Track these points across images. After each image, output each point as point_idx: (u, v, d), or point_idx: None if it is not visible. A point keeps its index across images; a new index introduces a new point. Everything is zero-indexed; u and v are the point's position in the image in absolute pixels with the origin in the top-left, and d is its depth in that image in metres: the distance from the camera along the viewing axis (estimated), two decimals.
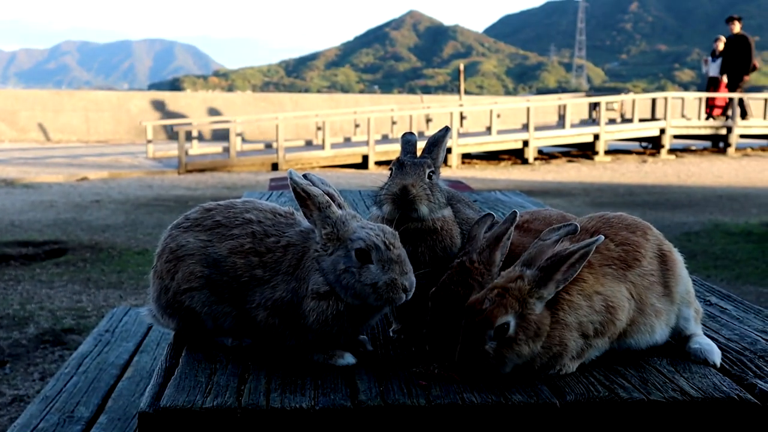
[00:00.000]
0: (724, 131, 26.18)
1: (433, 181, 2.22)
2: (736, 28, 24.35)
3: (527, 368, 1.94)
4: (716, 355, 2.10)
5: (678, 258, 2.17)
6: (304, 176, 2.13)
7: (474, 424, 1.78)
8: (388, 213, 2.17)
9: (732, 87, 24.76)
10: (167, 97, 32.62)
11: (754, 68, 24.49)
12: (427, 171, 2.20)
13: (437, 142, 2.30)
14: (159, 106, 31.07)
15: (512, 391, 1.86)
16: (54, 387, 3.75)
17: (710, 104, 25.49)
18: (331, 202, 2.06)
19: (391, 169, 2.24)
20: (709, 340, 2.17)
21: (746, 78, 24.55)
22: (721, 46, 24.55)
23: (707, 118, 25.50)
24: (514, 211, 2.15)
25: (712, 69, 24.96)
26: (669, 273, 2.12)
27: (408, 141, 2.33)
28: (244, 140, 23.99)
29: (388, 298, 1.96)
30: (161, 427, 1.74)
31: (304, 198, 2.05)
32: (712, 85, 25.23)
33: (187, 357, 2.07)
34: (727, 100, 25.06)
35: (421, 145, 2.31)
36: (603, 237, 1.99)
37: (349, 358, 2.03)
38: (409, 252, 2.08)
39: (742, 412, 1.84)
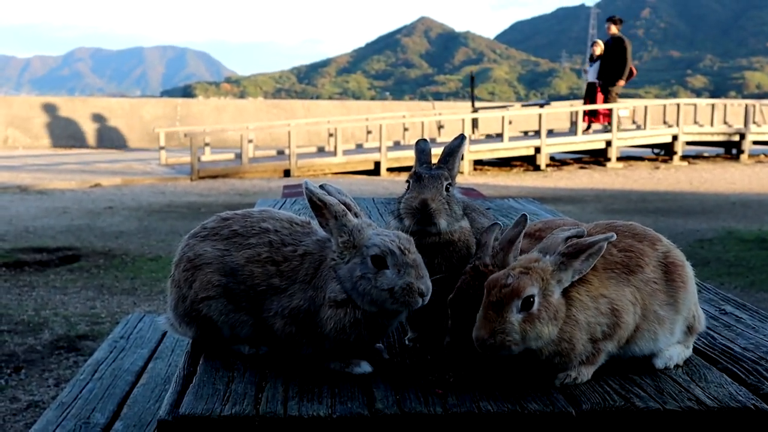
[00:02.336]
0: (737, 138, 26.10)
1: (451, 193, 2.23)
2: (613, 29, 22.86)
3: (536, 361, 1.94)
4: (659, 360, 2.10)
5: (689, 272, 2.17)
6: (321, 187, 2.14)
7: None
8: (407, 227, 2.18)
9: (605, 92, 23.11)
10: (180, 103, 32.76)
11: (632, 73, 22.91)
12: (445, 183, 2.21)
13: (453, 151, 2.30)
14: (171, 112, 31.20)
15: (528, 399, 1.86)
16: (70, 393, 3.77)
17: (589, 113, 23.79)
18: (347, 210, 2.07)
19: (408, 181, 2.25)
20: (679, 350, 2.16)
21: (620, 83, 22.72)
22: (598, 50, 23.04)
23: (587, 129, 23.81)
24: (524, 214, 2.16)
25: (591, 74, 23.50)
26: (675, 283, 2.12)
27: (422, 150, 2.33)
28: (256, 147, 24.06)
29: (405, 301, 1.97)
30: None
31: (320, 207, 2.05)
32: (590, 91, 23.61)
33: (204, 365, 2.08)
34: (609, 109, 23.41)
35: (435, 151, 2.31)
36: (614, 235, 2.01)
37: (365, 367, 2.04)
38: (425, 263, 2.10)
39: (758, 422, 1.83)
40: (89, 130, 30.38)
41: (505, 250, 2.11)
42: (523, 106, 29.26)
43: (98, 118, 30.53)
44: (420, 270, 1.99)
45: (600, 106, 23.05)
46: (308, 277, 2.07)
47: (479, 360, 1.98)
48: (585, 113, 23.65)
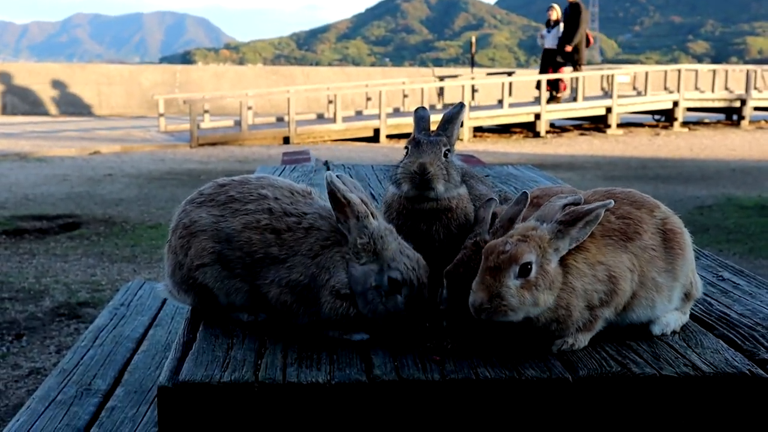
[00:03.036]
0: (738, 104, 26.01)
1: (449, 159, 2.22)
2: None
3: (533, 329, 1.95)
4: (656, 326, 2.12)
5: (687, 239, 2.17)
6: (329, 169, 2.14)
7: (488, 399, 1.81)
8: (405, 191, 2.19)
9: (572, 61, 22.65)
10: (179, 70, 32.59)
11: (588, 42, 22.53)
12: (443, 149, 2.21)
13: (452, 118, 2.30)
14: (171, 79, 31.05)
15: (525, 366, 1.88)
16: (71, 360, 3.79)
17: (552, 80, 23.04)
18: (369, 212, 2.06)
19: (406, 147, 2.25)
20: (676, 316, 2.17)
21: (567, 48, 22.20)
22: (554, 15, 22.46)
23: (551, 99, 23.01)
24: (525, 192, 2.15)
25: (548, 40, 22.77)
26: (673, 251, 2.12)
27: (421, 117, 2.33)
28: (256, 114, 23.98)
29: (399, 327, 2.03)
30: (180, 401, 1.77)
31: (342, 204, 2.04)
32: (548, 57, 22.98)
33: (204, 332, 2.10)
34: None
35: (434, 119, 2.30)
36: (612, 201, 2.01)
37: (363, 334, 2.05)
38: (423, 230, 2.11)
39: (754, 387, 1.85)
40: (88, 97, 30.26)
41: (505, 227, 2.10)
42: (488, 75, 29.03)
43: (97, 84, 30.38)
44: (425, 304, 2.03)
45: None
46: (312, 253, 2.07)
47: (475, 329, 1.99)
48: (549, 84, 22.85)
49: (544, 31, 23.14)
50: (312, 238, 2.09)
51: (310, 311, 2.06)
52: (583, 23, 22.06)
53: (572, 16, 22.04)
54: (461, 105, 2.35)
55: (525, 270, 1.90)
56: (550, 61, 22.88)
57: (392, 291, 2.01)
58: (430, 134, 2.26)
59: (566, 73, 22.71)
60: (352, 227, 2.04)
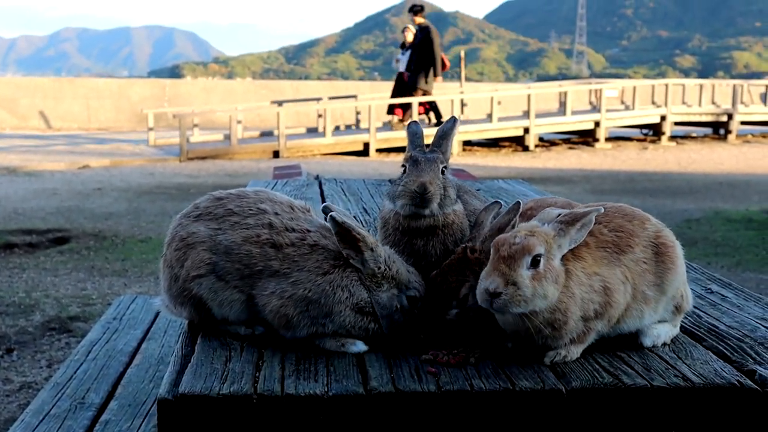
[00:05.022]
0: (725, 118, 26.20)
1: (446, 177, 2.27)
2: (418, 19, 21.00)
3: (527, 331, 1.99)
4: (647, 338, 2.16)
5: (678, 253, 2.21)
6: (326, 207, 2.19)
7: (482, 410, 1.84)
8: (401, 207, 2.23)
9: (412, 86, 21.04)
10: (168, 84, 32.61)
11: (444, 66, 21.10)
12: (441, 167, 2.25)
13: (446, 134, 2.33)
14: (160, 93, 31.06)
15: (519, 377, 1.91)
16: (64, 374, 3.80)
17: (399, 105, 21.46)
18: (376, 242, 2.15)
19: (404, 165, 2.28)
20: (667, 329, 2.21)
21: (437, 79, 21.09)
22: (409, 36, 21.02)
23: (401, 120, 21.27)
24: (518, 201, 2.19)
25: (402, 63, 21.35)
26: (664, 264, 2.16)
27: (414, 132, 2.36)
28: (245, 128, 23.99)
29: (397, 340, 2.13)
30: (180, 413, 1.79)
31: (356, 240, 2.11)
32: (400, 81, 21.63)
33: (202, 344, 2.12)
34: (427, 104, 21.40)
35: (428, 132, 2.33)
36: (602, 208, 2.07)
37: (360, 345, 2.08)
38: (421, 246, 2.17)
39: (742, 398, 1.89)
40: (77, 111, 30.22)
41: (494, 237, 2.14)
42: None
43: (86, 99, 30.36)
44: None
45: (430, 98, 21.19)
46: (321, 270, 2.12)
47: (456, 335, 2.06)
48: (397, 106, 21.46)
49: (400, 54, 21.63)
50: (319, 255, 2.14)
51: (314, 324, 2.10)
52: (436, 48, 20.72)
53: (423, 39, 20.72)
54: (454, 120, 2.38)
55: (536, 261, 1.95)
56: (404, 85, 21.51)
57: (411, 307, 2.13)
58: (426, 150, 2.30)
59: (416, 98, 21.08)
60: (368, 258, 2.12)
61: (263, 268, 2.14)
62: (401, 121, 21.37)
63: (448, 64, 21.68)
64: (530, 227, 2.02)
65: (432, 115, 21.68)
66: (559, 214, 2.06)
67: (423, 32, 20.88)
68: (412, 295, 2.13)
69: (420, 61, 20.91)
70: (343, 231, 2.09)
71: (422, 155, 2.26)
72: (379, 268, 2.12)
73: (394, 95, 21.82)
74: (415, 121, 2.41)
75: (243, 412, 1.80)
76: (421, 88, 21.06)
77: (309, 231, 2.19)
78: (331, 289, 2.09)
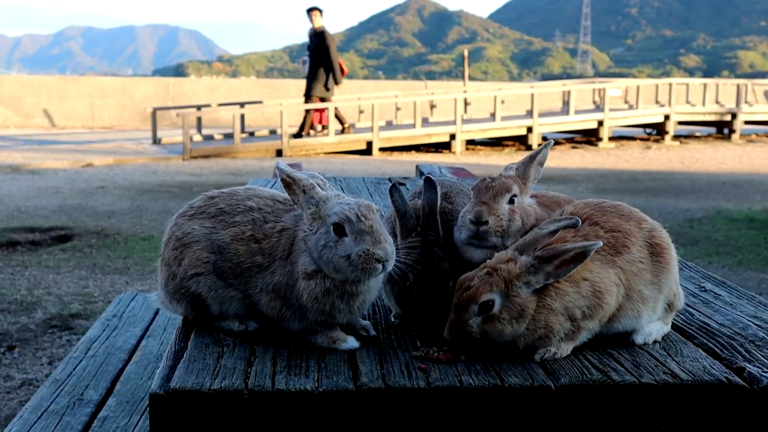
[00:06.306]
0: (728, 117, 26.17)
1: (515, 205, 2.27)
2: (317, 21, 20.30)
3: (513, 347, 2.02)
4: (639, 335, 2.17)
5: (672, 252, 2.21)
6: (293, 166, 2.20)
7: (472, 406, 1.85)
8: (460, 240, 2.26)
9: (307, 93, 20.71)
10: (172, 83, 32.65)
11: (342, 72, 20.48)
12: (508, 196, 2.25)
13: (533, 156, 2.40)
14: (164, 92, 31.10)
15: (509, 374, 1.92)
16: (63, 370, 3.82)
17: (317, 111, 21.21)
18: (315, 184, 2.13)
19: (472, 189, 2.30)
20: (658, 327, 2.22)
21: (338, 87, 20.60)
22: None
23: (323, 129, 21.25)
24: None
25: (308, 67, 20.80)
26: (659, 264, 2.17)
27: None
28: (248, 127, 24.01)
29: (363, 269, 2.01)
30: (171, 408, 1.81)
31: (289, 183, 2.12)
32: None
33: (195, 341, 2.14)
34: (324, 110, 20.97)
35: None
36: (601, 243, 2.04)
37: (352, 342, 2.10)
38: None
39: (730, 395, 1.89)
40: (81, 109, 30.28)
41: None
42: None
43: (90, 97, 30.42)
44: (377, 236, 2.01)
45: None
46: (285, 253, 2.13)
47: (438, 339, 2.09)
48: (317, 111, 21.19)
49: (306, 56, 20.97)
50: (284, 239, 2.15)
51: (297, 312, 2.11)
52: (333, 54, 20.18)
53: (318, 45, 20.18)
54: (548, 142, 2.43)
55: (486, 307, 1.98)
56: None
57: (339, 236, 2.03)
58: (495, 177, 2.31)
59: (329, 103, 20.87)
60: (302, 202, 2.12)
61: (250, 264, 2.16)
62: (324, 127, 21.20)
63: (346, 69, 21.03)
64: (498, 261, 2.03)
65: (338, 121, 21.23)
66: (551, 233, 2.07)
67: (318, 37, 20.26)
68: (333, 221, 2.03)
69: (316, 68, 20.38)
70: (279, 175, 2.12)
71: (489, 182, 2.29)
72: (310, 208, 2.10)
73: (308, 98, 21.10)
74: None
75: (234, 407, 1.81)
76: (317, 95, 20.61)
77: (281, 219, 2.19)
78: (291, 268, 2.10)
